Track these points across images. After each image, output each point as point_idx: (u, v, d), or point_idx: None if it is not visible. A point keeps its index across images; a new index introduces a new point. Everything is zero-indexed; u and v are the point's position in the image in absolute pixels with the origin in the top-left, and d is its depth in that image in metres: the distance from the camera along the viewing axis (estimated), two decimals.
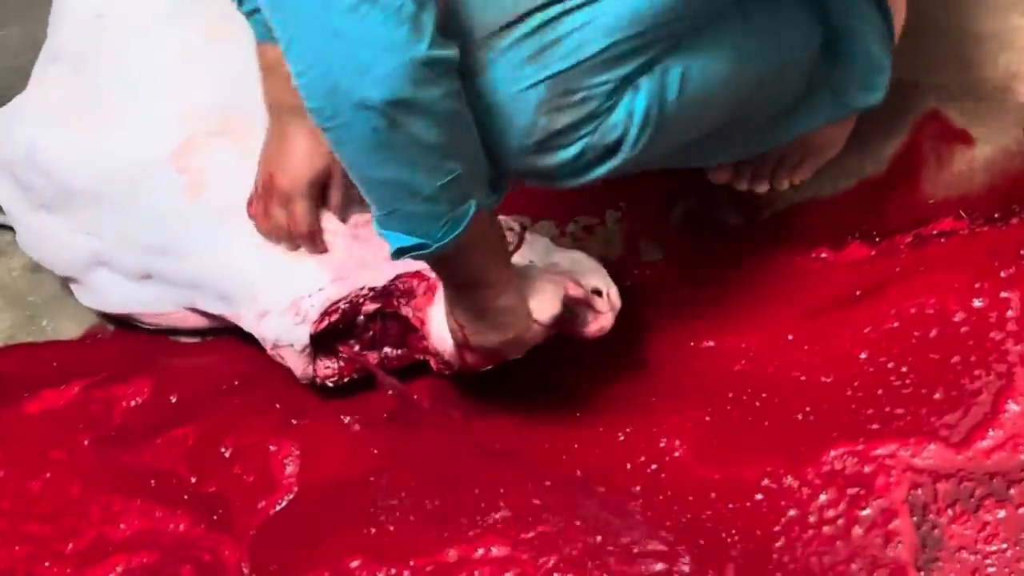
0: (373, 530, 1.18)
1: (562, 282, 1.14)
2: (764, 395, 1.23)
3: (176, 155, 1.30)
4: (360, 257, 1.27)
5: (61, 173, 1.33)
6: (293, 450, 1.26)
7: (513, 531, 1.15)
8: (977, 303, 1.21)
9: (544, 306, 1.13)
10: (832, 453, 1.15)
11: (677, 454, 1.21)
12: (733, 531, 1.14)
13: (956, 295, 1.22)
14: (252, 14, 1.20)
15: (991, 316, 1.20)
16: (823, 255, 1.36)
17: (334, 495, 1.23)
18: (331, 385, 1.31)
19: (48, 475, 1.26)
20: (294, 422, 1.30)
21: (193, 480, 1.27)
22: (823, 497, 1.14)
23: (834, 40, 1.18)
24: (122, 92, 1.33)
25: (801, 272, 1.35)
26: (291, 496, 1.24)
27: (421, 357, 1.28)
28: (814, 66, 1.19)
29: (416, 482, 1.22)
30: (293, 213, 1.24)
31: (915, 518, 1.11)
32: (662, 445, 1.21)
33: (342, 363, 1.30)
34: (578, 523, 1.15)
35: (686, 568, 1.11)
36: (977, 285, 1.22)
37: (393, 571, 1.14)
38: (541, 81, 0.99)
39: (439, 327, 1.22)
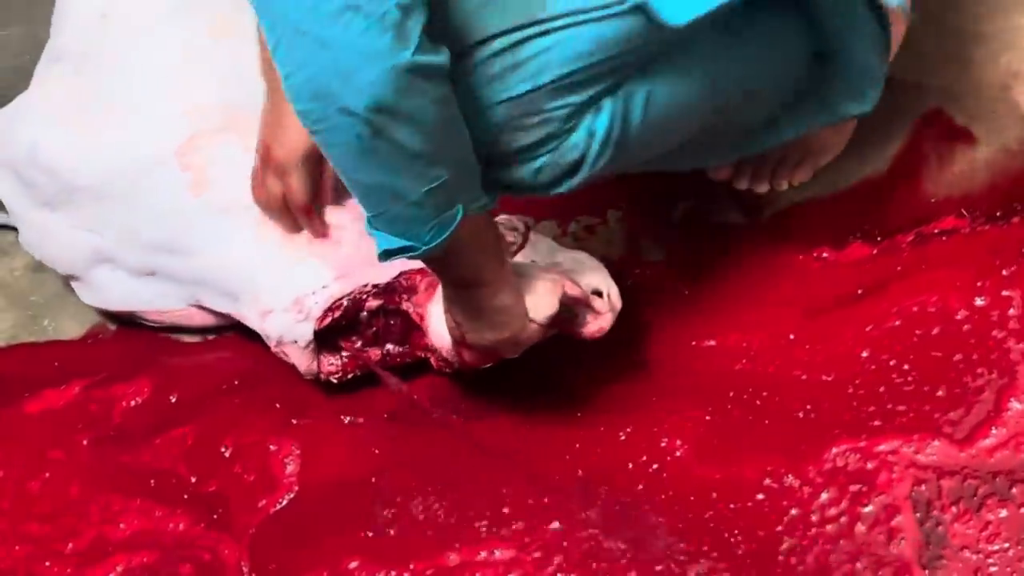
0: (373, 531, 1.18)
1: (560, 281, 1.14)
2: (765, 394, 1.23)
3: (180, 152, 1.31)
4: (365, 254, 1.27)
5: (64, 171, 1.34)
6: (293, 449, 1.26)
7: (515, 533, 1.15)
8: (979, 301, 1.21)
9: (541, 305, 1.12)
10: (834, 450, 1.15)
11: (678, 454, 1.20)
12: (735, 531, 1.14)
13: (958, 293, 1.21)
14: None
15: (993, 314, 1.19)
16: (824, 254, 1.36)
17: (334, 495, 1.23)
18: (335, 381, 1.31)
19: (47, 475, 1.26)
20: (294, 422, 1.30)
21: (193, 480, 1.27)
22: (825, 495, 1.13)
23: (826, 49, 1.16)
24: (125, 91, 1.33)
25: (802, 271, 1.34)
26: (291, 495, 1.24)
27: (422, 354, 1.29)
28: (804, 74, 1.18)
29: (416, 482, 1.22)
30: (289, 185, 1.24)
31: (919, 514, 1.11)
32: (663, 445, 1.21)
33: (345, 359, 1.31)
34: (581, 524, 1.15)
35: (689, 569, 1.11)
36: (979, 283, 1.21)
37: (393, 574, 1.14)
38: (503, 101, 0.99)
39: (438, 324, 1.22)
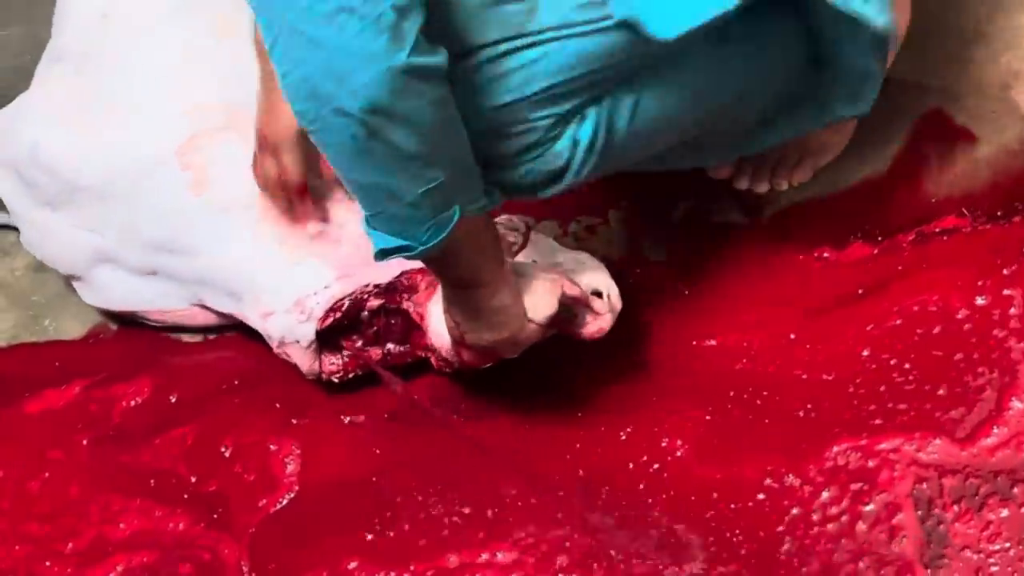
0: (373, 532, 1.18)
1: (559, 282, 1.14)
2: (765, 393, 1.23)
3: (180, 152, 1.31)
4: (365, 253, 1.26)
5: (65, 170, 1.34)
6: (294, 449, 1.26)
7: (516, 534, 1.15)
8: (980, 300, 1.20)
9: (540, 306, 1.12)
10: (835, 449, 1.14)
11: (679, 454, 1.20)
12: (737, 531, 1.13)
13: (959, 293, 1.21)
14: None
15: (994, 313, 1.19)
16: (825, 254, 1.35)
17: (335, 495, 1.23)
18: (337, 381, 1.31)
19: (47, 475, 1.26)
20: (294, 421, 1.30)
21: (193, 479, 1.27)
22: (826, 494, 1.13)
23: (824, 53, 1.15)
24: (126, 91, 1.33)
25: (803, 271, 1.34)
26: (291, 495, 1.24)
27: (423, 354, 1.29)
28: (801, 77, 1.18)
29: (417, 482, 1.22)
30: (282, 165, 1.24)
31: (920, 512, 1.10)
32: (664, 445, 1.21)
33: (346, 359, 1.31)
34: (582, 524, 1.15)
35: (691, 569, 1.11)
36: (980, 283, 1.21)
37: (392, 574, 1.14)
38: (489, 110, 0.99)
39: (438, 324, 1.22)
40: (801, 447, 1.16)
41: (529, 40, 0.98)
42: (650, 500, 1.18)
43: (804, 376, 1.23)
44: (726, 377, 1.26)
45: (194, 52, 1.34)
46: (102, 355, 1.42)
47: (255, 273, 1.30)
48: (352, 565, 1.15)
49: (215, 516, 1.23)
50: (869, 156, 1.39)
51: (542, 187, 1.08)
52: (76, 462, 1.27)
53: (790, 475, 1.15)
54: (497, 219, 1.20)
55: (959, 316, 1.20)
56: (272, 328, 1.29)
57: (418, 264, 1.22)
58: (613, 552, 1.13)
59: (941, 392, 1.16)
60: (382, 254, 1.01)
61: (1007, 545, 1.09)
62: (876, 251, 1.33)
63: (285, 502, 1.23)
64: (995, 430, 1.12)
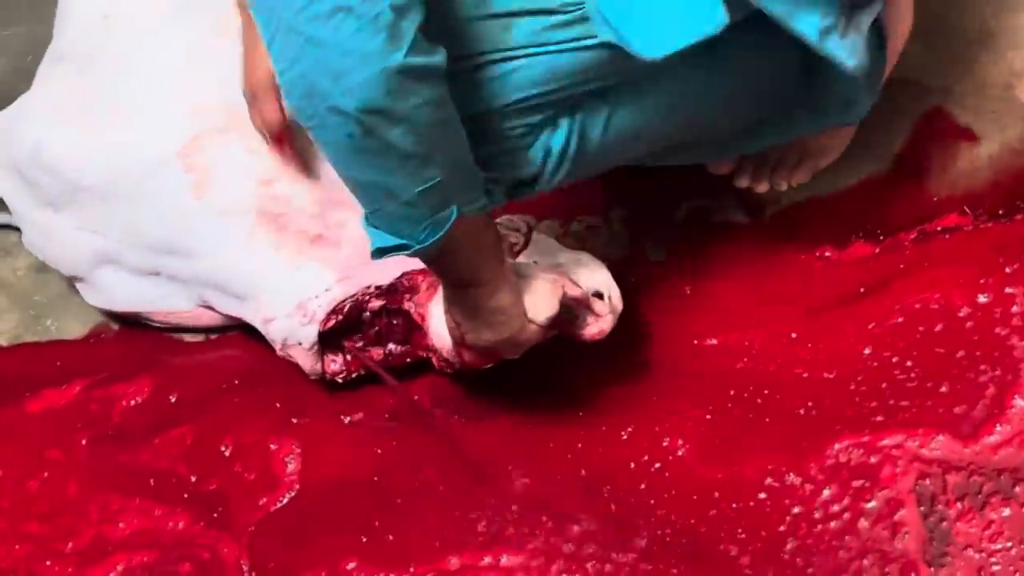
0: (373, 532, 1.17)
1: (560, 282, 1.14)
2: (766, 392, 1.22)
3: (183, 153, 1.31)
4: (366, 255, 1.27)
5: (67, 171, 1.34)
6: (294, 448, 1.26)
7: (517, 535, 1.14)
8: (982, 299, 1.20)
9: (541, 306, 1.12)
10: (836, 447, 1.14)
11: (680, 453, 1.20)
12: (739, 530, 1.13)
13: (961, 291, 1.21)
14: None
15: (996, 312, 1.18)
16: (827, 253, 1.35)
17: (335, 495, 1.22)
18: (340, 381, 1.31)
19: (46, 474, 1.26)
20: (294, 421, 1.29)
21: (193, 479, 1.26)
22: (827, 492, 1.13)
23: (814, 62, 1.13)
24: (128, 92, 1.33)
25: (805, 270, 1.34)
26: (292, 494, 1.23)
27: (424, 354, 1.28)
28: (793, 86, 1.17)
29: (417, 483, 1.22)
30: (261, 113, 1.24)
31: (922, 508, 1.10)
32: (665, 444, 1.21)
33: (349, 358, 1.31)
34: (583, 524, 1.15)
35: (692, 568, 1.11)
36: (982, 281, 1.20)
37: None
38: (467, 118, 0.99)
39: (438, 324, 1.22)
40: (802, 445, 1.15)
41: (505, 54, 1.00)
42: (652, 500, 1.17)
43: (805, 375, 1.23)
44: (727, 376, 1.26)
45: (196, 53, 1.34)
46: (103, 355, 1.42)
47: (255, 278, 1.30)
48: (351, 566, 1.14)
49: (215, 515, 1.23)
50: (871, 155, 1.39)
51: (515, 192, 1.08)
52: (75, 461, 1.27)
53: (791, 473, 1.14)
54: (498, 219, 1.20)
55: (961, 314, 1.20)
56: (274, 332, 1.29)
57: (419, 264, 1.22)
58: (614, 552, 1.13)
59: (943, 389, 1.16)
60: (379, 252, 1.01)
61: (1009, 544, 1.09)
62: (878, 250, 1.33)
63: (285, 501, 1.23)
64: (998, 428, 1.12)
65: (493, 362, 1.20)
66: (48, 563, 1.20)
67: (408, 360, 1.31)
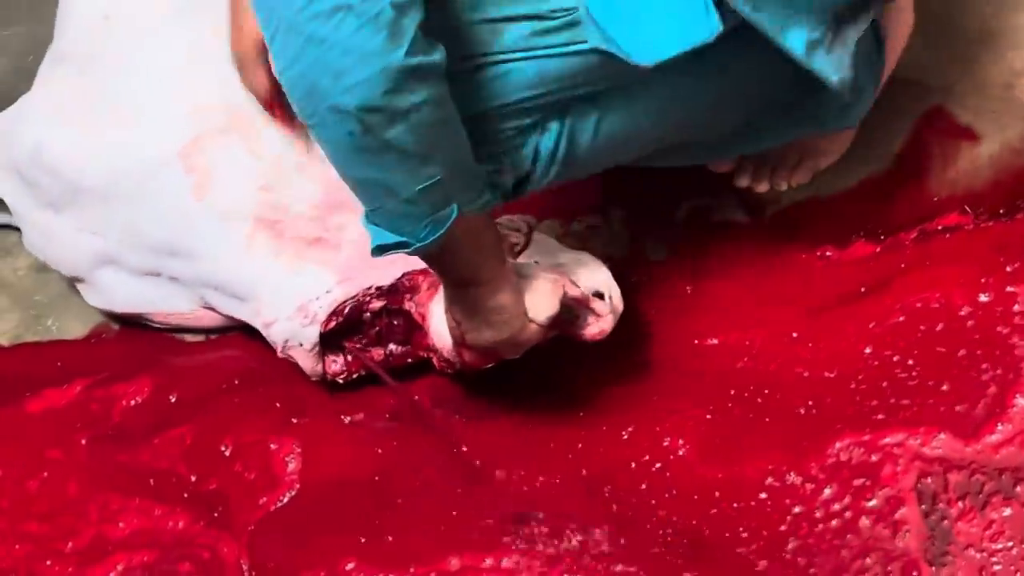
0: (373, 532, 1.17)
1: (561, 282, 1.14)
2: (766, 391, 1.23)
3: (184, 154, 1.31)
4: (366, 255, 1.27)
5: (68, 171, 1.34)
6: (294, 448, 1.26)
7: (518, 535, 1.14)
8: (983, 298, 1.20)
9: (541, 306, 1.12)
10: (837, 445, 1.14)
11: (681, 453, 1.20)
12: (740, 529, 1.13)
13: (962, 290, 1.21)
14: None
15: (997, 311, 1.18)
16: (828, 253, 1.35)
17: (335, 494, 1.22)
18: (341, 382, 1.31)
19: (45, 474, 1.26)
20: (294, 421, 1.29)
21: (193, 479, 1.26)
22: (828, 491, 1.13)
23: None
24: (129, 92, 1.33)
25: (805, 270, 1.34)
26: (292, 493, 1.23)
27: (425, 354, 1.28)
28: (788, 90, 1.17)
29: (418, 483, 1.21)
30: (250, 79, 1.24)
31: (924, 507, 1.10)
32: (666, 444, 1.21)
33: (350, 359, 1.30)
34: (584, 524, 1.14)
35: (694, 568, 1.11)
36: (983, 280, 1.20)
37: None
38: (461, 118, 1.00)
39: (439, 324, 1.22)
40: (803, 444, 1.15)
41: (497, 57, 1.00)
42: (653, 500, 1.17)
43: (806, 374, 1.23)
44: (728, 376, 1.26)
45: (198, 53, 1.33)
46: (104, 355, 1.42)
47: (255, 281, 1.30)
48: (351, 566, 1.14)
49: (215, 515, 1.22)
50: (871, 154, 1.39)
51: (507, 193, 1.09)
52: (75, 461, 1.27)
53: (792, 473, 1.14)
54: (499, 219, 1.20)
55: (962, 313, 1.20)
56: (275, 334, 1.29)
57: (420, 264, 1.22)
58: (616, 552, 1.12)
59: (945, 388, 1.16)
60: (379, 250, 1.02)
61: (1010, 544, 1.08)
62: (878, 249, 1.34)
63: (285, 501, 1.23)
64: (999, 427, 1.12)
65: (493, 362, 1.20)
66: (48, 563, 1.20)
67: (409, 360, 1.31)
